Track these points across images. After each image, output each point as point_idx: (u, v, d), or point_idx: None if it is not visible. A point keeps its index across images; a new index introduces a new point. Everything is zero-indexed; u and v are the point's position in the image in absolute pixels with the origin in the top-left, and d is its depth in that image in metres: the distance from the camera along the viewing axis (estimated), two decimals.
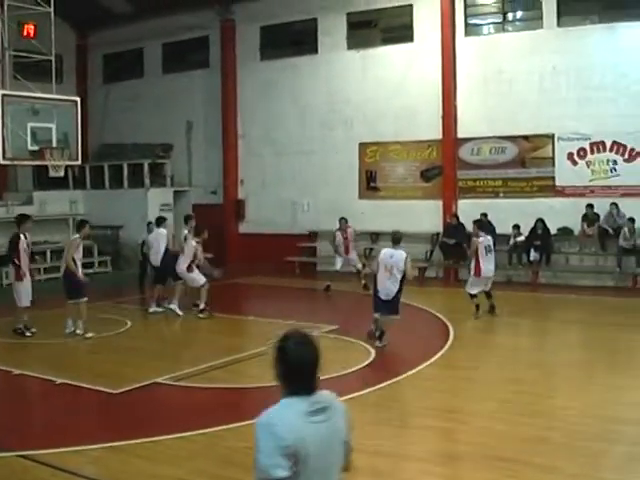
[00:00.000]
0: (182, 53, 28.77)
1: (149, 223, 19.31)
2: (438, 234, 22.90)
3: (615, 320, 15.87)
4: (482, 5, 23.18)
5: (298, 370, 3.86)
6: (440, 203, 23.06)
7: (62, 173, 18.84)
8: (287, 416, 3.77)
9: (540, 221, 20.91)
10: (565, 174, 21.37)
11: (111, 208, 26.42)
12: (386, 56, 24.18)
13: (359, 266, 20.62)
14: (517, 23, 23.01)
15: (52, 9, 18.03)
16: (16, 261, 14.46)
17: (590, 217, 20.72)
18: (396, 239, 13.48)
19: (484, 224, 16.37)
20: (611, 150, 20.77)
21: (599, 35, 20.96)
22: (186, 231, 17.34)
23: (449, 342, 13.91)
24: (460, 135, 22.86)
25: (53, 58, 18.26)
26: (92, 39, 30.72)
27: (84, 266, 24.19)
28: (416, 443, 8.92)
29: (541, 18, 21.68)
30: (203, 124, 28.07)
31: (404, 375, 11.57)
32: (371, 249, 23.07)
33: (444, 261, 22.73)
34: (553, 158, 21.57)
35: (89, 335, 14.45)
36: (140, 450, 8.33)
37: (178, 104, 27.94)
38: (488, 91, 22.34)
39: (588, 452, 8.18)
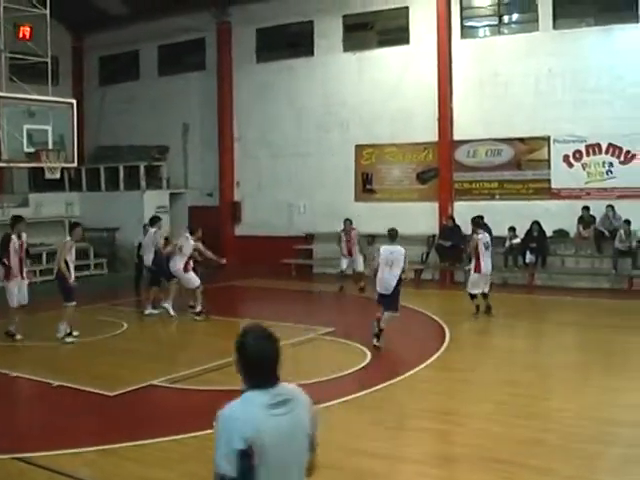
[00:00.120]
0: (178, 55, 28.75)
1: (145, 225, 19.28)
2: (434, 236, 22.89)
3: (611, 322, 15.87)
4: (478, 8, 23.21)
5: (258, 364, 3.92)
6: (436, 205, 23.06)
7: (58, 175, 18.85)
8: (247, 409, 3.84)
9: (536, 223, 20.92)
10: (561, 176, 21.38)
11: (107, 210, 26.43)
12: (382, 58, 24.19)
13: (360, 269, 20.65)
14: (513, 26, 23.05)
15: (48, 11, 18.05)
16: (5, 261, 14.42)
17: (586, 219, 20.74)
18: (392, 235, 13.81)
19: (482, 221, 16.47)
20: (607, 152, 20.78)
21: (595, 38, 21.00)
22: (187, 234, 17.37)
23: (445, 344, 13.91)
24: (456, 137, 22.88)
25: (49, 60, 18.28)
26: (88, 41, 30.70)
27: (79, 268, 24.27)
28: (412, 445, 8.92)
29: (537, 21, 21.70)
30: (199, 126, 28.06)
31: (400, 377, 11.57)
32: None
33: (440, 263, 22.73)
34: (549, 160, 21.59)
35: (69, 340, 14.36)
36: (132, 453, 8.33)
37: (174, 106, 27.92)
38: (484, 93, 22.36)
39: (584, 454, 8.19)
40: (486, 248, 16.08)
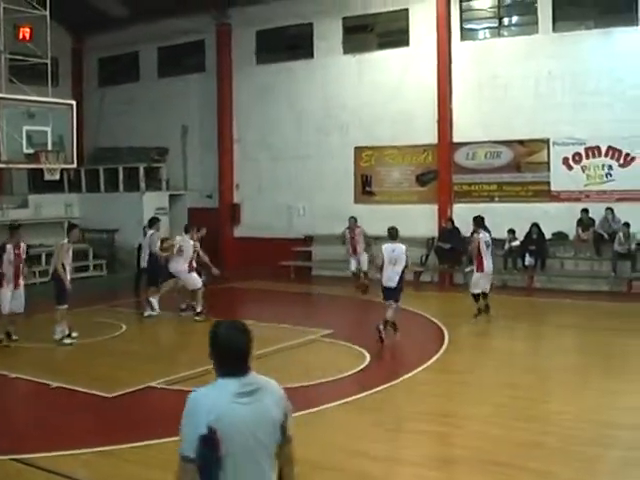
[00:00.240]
0: (178, 57, 28.76)
1: (145, 227, 19.25)
2: (433, 238, 22.88)
3: (610, 325, 15.87)
4: (478, 10, 23.20)
5: (228, 352, 4.07)
6: (435, 207, 23.06)
7: (57, 176, 18.86)
8: (214, 395, 4.01)
9: (535, 226, 20.92)
10: (560, 179, 21.38)
11: (106, 212, 26.43)
12: (382, 61, 24.18)
13: (365, 268, 20.70)
14: (513, 28, 23.04)
15: (48, 12, 18.07)
16: None
17: (585, 222, 20.74)
18: (393, 234, 14.38)
19: (482, 221, 16.44)
20: (606, 155, 20.78)
21: (595, 40, 21.00)
22: (187, 236, 17.39)
23: (444, 346, 13.91)
24: (455, 139, 22.88)
25: (49, 61, 18.31)
26: (88, 42, 30.71)
27: (78, 269, 24.47)
28: (411, 447, 8.91)
29: (537, 23, 21.71)
30: (199, 128, 28.05)
31: (399, 379, 11.57)
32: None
33: (439, 265, 22.73)
34: (548, 163, 21.59)
35: (67, 342, 14.33)
36: (131, 454, 8.32)
37: (174, 108, 27.91)
38: (483, 96, 22.35)
39: (583, 457, 8.19)
40: (487, 247, 16.07)
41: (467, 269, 19.46)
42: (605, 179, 20.86)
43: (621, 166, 20.62)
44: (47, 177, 18.44)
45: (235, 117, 27.12)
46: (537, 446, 8.49)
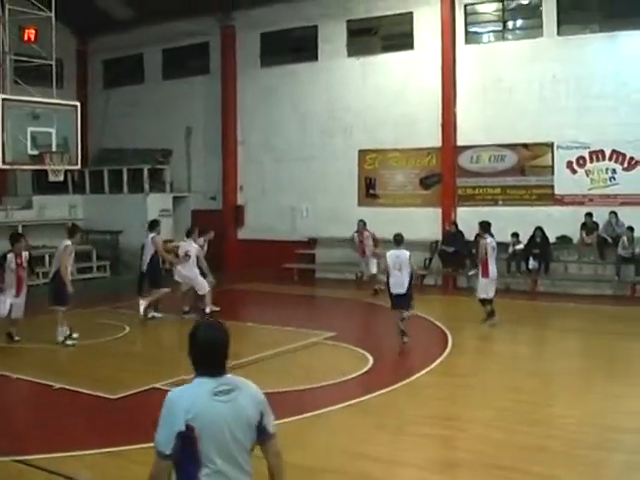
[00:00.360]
0: (182, 59, 28.81)
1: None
2: (437, 242, 22.87)
3: (614, 329, 15.84)
4: (482, 13, 23.21)
5: (205, 352, 4.24)
6: (439, 211, 23.05)
7: (62, 178, 18.88)
8: (193, 393, 4.18)
9: (539, 229, 20.90)
10: (564, 182, 21.37)
11: (110, 213, 26.45)
12: (386, 64, 24.20)
13: (373, 271, 20.74)
14: (517, 31, 23.04)
15: (53, 14, 18.10)
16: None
17: (589, 226, 20.72)
18: (398, 240, 14.47)
19: (489, 226, 16.36)
20: (610, 159, 20.77)
21: (599, 44, 21.00)
22: (190, 239, 17.36)
23: (448, 350, 13.88)
24: (459, 143, 22.87)
25: (54, 63, 18.31)
26: (92, 44, 30.75)
27: (82, 271, 24.49)
28: (413, 450, 8.89)
29: (541, 27, 21.71)
30: (203, 130, 28.08)
31: (402, 382, 11.55)
32: None
33: (443, 269, 22.72)
34: (552, 166, 21.57)
35: (70, 343, 14.30)
36: (137, 455, 8.29)
37: (178, 110, 27.94)
38: (488, 99, 22.35)
39: (587, 461, 8.17)
40: (493, 252, 16.03)
41: (470, 272, 19.47)
42: (609, 183, 20.84)
43: (625, 170, 20.60)
44: (51, 178, 18.44)
45: (239, 119, 27.14)
46: (541, 450, 8.48)
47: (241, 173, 27.31)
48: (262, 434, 4.31)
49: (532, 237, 20.98)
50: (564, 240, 21.30)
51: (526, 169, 21.98)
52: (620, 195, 20.68)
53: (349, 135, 24.72)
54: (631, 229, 19.81)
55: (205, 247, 18.09)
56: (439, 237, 22.88)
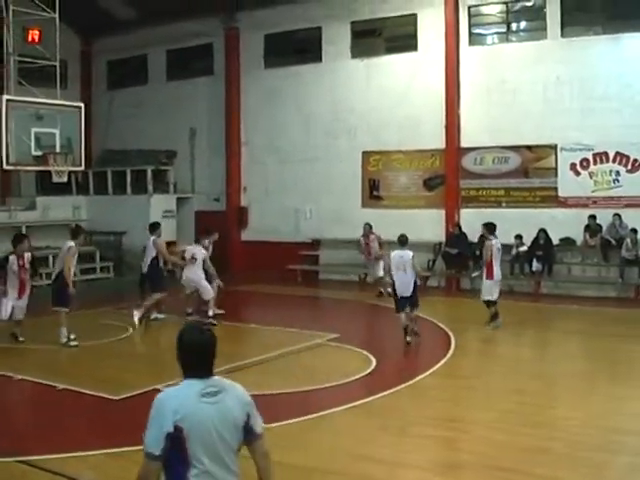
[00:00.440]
0: (186, 60, 28.80)
1: None
2: (440, 243, 22.88)
3: (617, 331, 15.82)
4: (486, 15, 23.22)
5: (191, 355, 4.35)
6: (443, 212, 23.05)
7: (65, 178, 18.89)
8: (181, 395, 4.25)
9: (542, 231, 20.89)
10: (568, 185, 21.35)
11: (114, 214, 26.45)
12: (390, 65, 24.21)
13: (380, 274, 20.71)
14: (521, 33, 23.06)
15: (57, 15, 18.12)
16: (1, 280, 14.09)
17: (593, 228, 20.70)
18: (402, 241, 14.76)
19: (494, 228, 16.29)
20: (614, 161, 20.75)
21: (603, 46, 20.99)
22: (199, 245, 17.36)
23: (451, 351, 13.87)
24: (463, 145, 22.87)
25: (57, 64, 18.34)
26: (96, 45, 30.80)
27: (86, 272, 24.52)
28: (417, 452, 8.88)
29: (545, 29, 21.71)
30: (207, 131, 28.10)
31: (405, 384, 11.54)
32: None
33: (446, 270, 22.71)
34: (556, 168, 21.56)
35: (73, 344, 14.28)
36: (140, 457, 8.25)
37: (182, 111, 27.96)
38: (491, 101, 22.35)
39: (590, 463, 8.16)
40: (498, 253, 16.00)
41: (474, 274, 19.43)
42: (613, 185, 20.83)
43: (629, 172, 20.59)
44: (55, 179, 18.45)
45: (243, 120, 27.15)
46: (544, 452, 8.47)
47: (245, 174, 27.32)
48: (249, 434, 4.38)
49: (535, 239, 20.97)
50: (567, 242, 21.29)
51: (530, 171, 21.97)
52: (624, 197, 20.66)
53: (353, 136, 24.73)
54: (635, 231, 19.80)
55: (210, 248, 18.07)
56: (442, 239, 22.88)
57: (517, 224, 21.12)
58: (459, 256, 21.95)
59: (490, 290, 15.92)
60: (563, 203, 21.48)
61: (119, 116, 29.53)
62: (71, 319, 14.60)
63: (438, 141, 22.96)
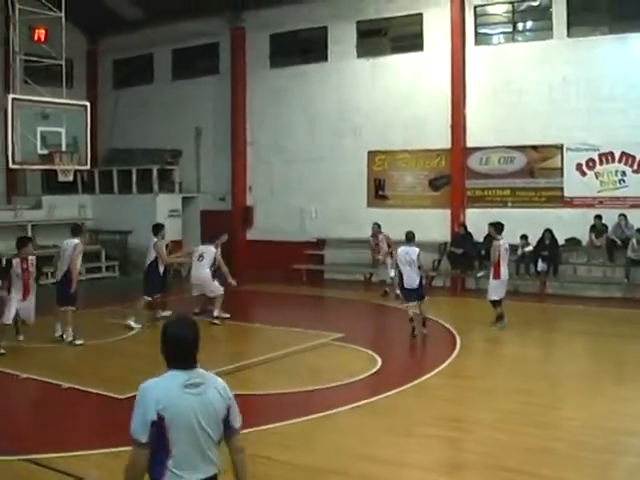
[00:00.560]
0: (192, 60, 28.81)
1: None
2: (446, 243, 22.87)
3: (622, 331, 15.79)
4: (492, 15, 23.18)
5: (173, 347, 4.48)
6: (448, 212, 23.03)
7: (71, 177, 18.90)
8: (164, 385, 4.41)
9: (548, 231, 20.86)
10: (574, 185, 21.32)
11: (119, 213, 26.49)
12: (396, 65, 24.20)
13: (391, 275, 20.69)
14: (527, 33, 23.02)
15: (63, 14, 18.14)
16: (5, 283, 13.90)
17: (598, 228, 20.67)
18: (409, 237, 15.25)
19: (502, 228, 16.21)
20: (620, 161, 20.72)
21: (609, 46, 20.95)
22: (211, 246, 17.37)
23: (456, 351, 13.86)
24: (469, 144, 22.85)
25: (63, 63, 18.37)
26: (102, 44, 30.85)
27: (91, 271, 24.55)
28: (420, 452, 8.87)
29: (551, 29, 21.67)
30: (212, 131, 28.11)
31: (410, 384, 11.53)
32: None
33: (452, 270, 22.70)
34: (562, 169, 21.54)
35: (79, 342, 14.31)
36: None
37: (187, 110, 27.99)
38: (497, 101, 22.32)
39: (595, 463, 8.14)
40: (506, 253, 15.98)
41: (479, 274, 19.44)
42: (618, 185, 20.79)
43: (635, 172, 20.55)
44: (61, 178, 18.47)
45: (248, 120, 27.17)
46: (548, 452, 8.46)
47: (250, 174, 27.33)
48: (227, 429, 4.50)
49: (541, 239, 20.94)
50: (573, 242, 21.26)
51: (535, 171, 21.95)
52: (629, 197, 20.62)
53: (359, 136, 24.73)
54: None
55: (219, 250, 18.03)
56: (448, 238, 22.88)
57: (523, 224, 21.05)
58: (464, 256, 21.93)
59: (496, 290, 15.90)
60: (569, 203, 21.46)
61: (125, 115, 29.58)
62: (77, 318, 14.63)
63: (444, 141, 22.94)
